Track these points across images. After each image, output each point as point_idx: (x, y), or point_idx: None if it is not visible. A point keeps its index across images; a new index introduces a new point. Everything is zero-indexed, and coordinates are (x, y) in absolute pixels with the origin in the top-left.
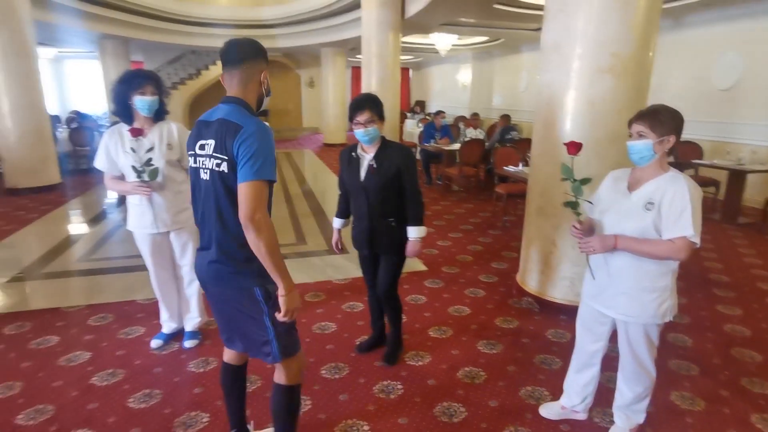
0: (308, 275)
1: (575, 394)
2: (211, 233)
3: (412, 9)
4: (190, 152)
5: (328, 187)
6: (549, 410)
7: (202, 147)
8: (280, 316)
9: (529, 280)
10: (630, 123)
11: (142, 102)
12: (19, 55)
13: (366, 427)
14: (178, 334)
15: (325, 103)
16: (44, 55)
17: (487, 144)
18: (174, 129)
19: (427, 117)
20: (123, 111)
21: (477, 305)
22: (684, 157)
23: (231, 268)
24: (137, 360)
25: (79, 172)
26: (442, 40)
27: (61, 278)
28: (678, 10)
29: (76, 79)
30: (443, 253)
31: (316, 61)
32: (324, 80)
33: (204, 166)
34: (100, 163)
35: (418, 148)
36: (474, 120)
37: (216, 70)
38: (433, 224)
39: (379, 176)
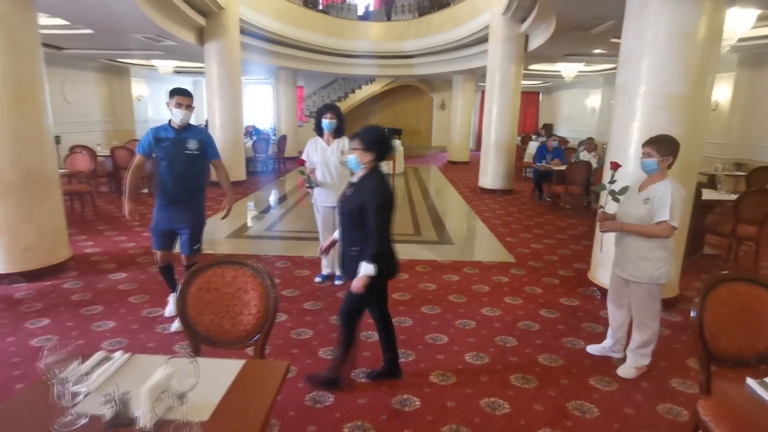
0: (421, 255)
1: (610, 337)
2: None
3: (534, 43)
4: None
5: (446, 197)
6: (593, 348)
7: None
8: None
9: (595, 273)
10: (643, 146)
11: (324, 123)
12: (231, 85)
13: (445, 339)
14: (331, 277)
15: (453, 124)
16: None
17: (595, 165)
18: (346, 142)
19: (553, 139)
20: (318, 128)
21: (549, 288)
22: None
23: None
24: (307, 287)
25: (256, 173)
26: (568, 68)
27: (256, 239)
28: None
29: (253, 100)
30: (533, 253)
31: (448, 85)
32: (454, 103)
33: None
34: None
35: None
36: (589, 144)
37: (360, 93)
38: (533, 232)
39: (348, 205)
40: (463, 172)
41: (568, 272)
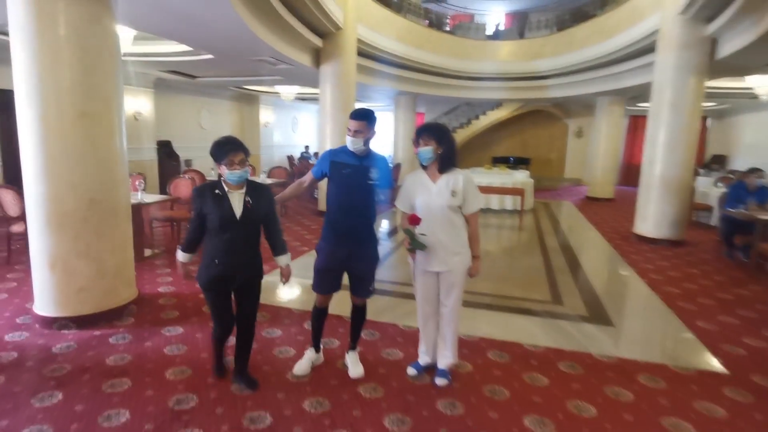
0: (563, 341)
1: None
2: None
3: (727, 49)
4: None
5: (590, 245)
6: None
7: None
8: None
9: None
10: None
11: (420, 152)
12: (344, 109)
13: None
14: (430, 370)
15: (593, 153)
16: None
17: None
18: (461, 179)
19: (730, 176)
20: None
21: None
22: None
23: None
24: (394, 382)
25: None
26: (765, 83)
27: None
28: None
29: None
30: (755, 357)
31: (586, 111)
32: (596, 130)
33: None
34: (400, 203)
35: (719, 214)
36: None
37: (485, 120)
38: (737, 313)
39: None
40: (607, 211)
41: None
